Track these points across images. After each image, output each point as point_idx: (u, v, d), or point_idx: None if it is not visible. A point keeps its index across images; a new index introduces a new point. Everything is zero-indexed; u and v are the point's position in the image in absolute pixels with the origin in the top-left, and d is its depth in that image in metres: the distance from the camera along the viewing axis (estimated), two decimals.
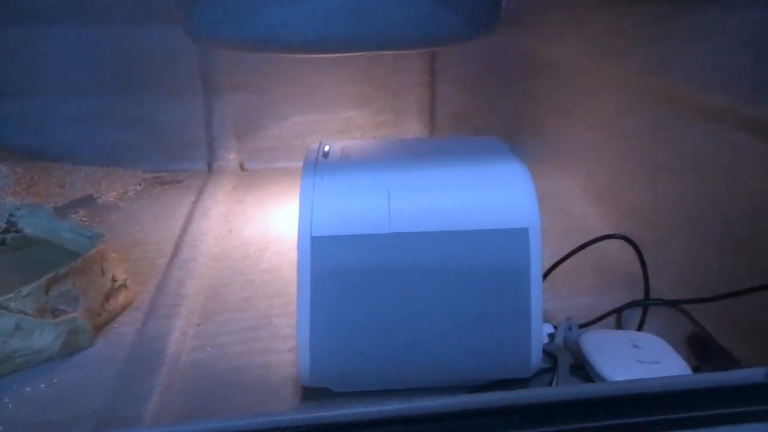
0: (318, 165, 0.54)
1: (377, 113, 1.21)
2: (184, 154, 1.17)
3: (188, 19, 0.67)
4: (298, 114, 1.19)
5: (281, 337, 0.66)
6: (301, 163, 1.19)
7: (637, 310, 0.66)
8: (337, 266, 0.50)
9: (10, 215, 0.77)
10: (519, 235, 0.50)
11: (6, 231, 0.76)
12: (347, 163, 0.55)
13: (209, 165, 1.17)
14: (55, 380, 0.59)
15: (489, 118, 1.22)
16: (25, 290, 0.58)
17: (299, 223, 0.50)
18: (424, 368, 0.54)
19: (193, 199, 1.02)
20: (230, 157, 1.18)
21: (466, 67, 1.20)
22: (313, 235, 0.50)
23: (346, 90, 1.19)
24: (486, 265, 0.50)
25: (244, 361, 0.62)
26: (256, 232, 0.91)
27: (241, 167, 1.18)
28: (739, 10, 0.64)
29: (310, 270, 0.50)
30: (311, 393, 0.57)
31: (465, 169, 0.53)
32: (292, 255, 0.85)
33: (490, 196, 0.51)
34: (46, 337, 0.59)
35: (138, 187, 1.06)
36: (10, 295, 0.57)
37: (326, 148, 0.58)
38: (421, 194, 0.51)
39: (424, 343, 0.52)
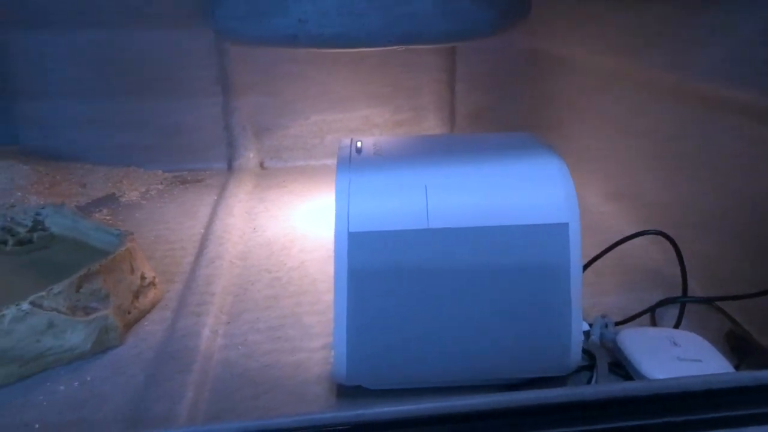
0: (352, 161, 0.54)
1: (396, 111, 1.20)
2: (205, 153, 1.17)
3: (215, 17, 0.67)
4: (316, 113, 1.19)
5: (310, 335, 0.66)
6: (320, 162, 1.20)
7: (670, 307, 0.65)
8: (374, 262, 0.49)
9: (36, 214, 0.77)
10: (559, 231, 0.49)
11: (32, 230, 0.76)
12: (381, 158, 0.55)
13: (229, 164, 1.17)
14: (88, 378, 0.58)
15: (506, 115, 1.21)
16: (56, 288, 0.58)
17: (336, 219, 0.49)
18: (460, 366, 0.53)
19: (215, 198, 1.02)
20: (250, 156, 1.18)
21: (484, 65, 1.19)
22: (351, 230, 0.49)
23: (364, 88, 1.18)
24: (525, 261, 0.49)
25: (275, 359, 0.62)
26: (279, 230, 0.91)
27: (261, 166, 1.18)
28: (762, 3, 0.63)
29: (347, 266, 0.49)
30: (345, 391, 0.56)
31: (502, 164, 0.52)
32: (318, 253, 0.85)
33: (529, 190, 0.50)
34: (77, 336, 0.59)
35: (160, 186, 1.06)
36: (42, 293, 0.57)
37: (358, 144, 0.57)
38: (459, 189, 0.50)
39: (462, 340, 0.51)
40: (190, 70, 1.13)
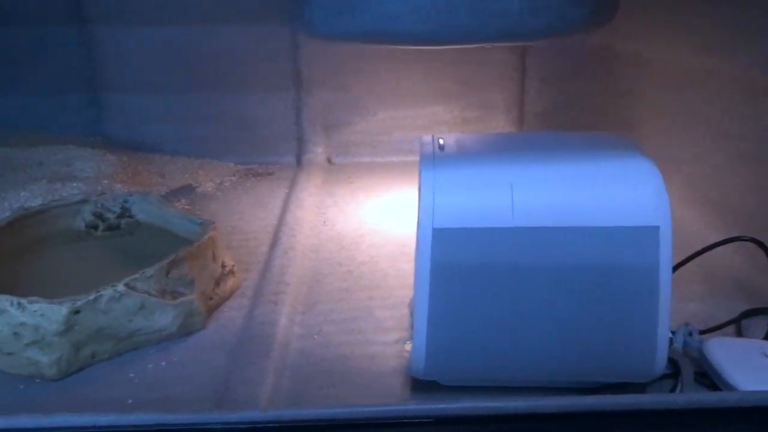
0: (436, 157, 0.54)
1: (464, 109, 1.20)
2: (275, 147, 1.20)
3: (304, 14, 0.68)
4: (384, 109, 1.20)
5: (383, 329, 0.67)
6: (386, 159, 1.20)
7: (757, 318, 0.63)
8: (457, 259, 0.50)
9: (124, 201, 0.81)
10: (649, 234, 0.48)
11: (120, 216, 0.80)
12: (465, 155, 0.55)
13: (298, 158, 1.20)
14: (174, 359, 0.61)
15: (578, 114, 1.19)
16: (149, 272, 0.61)
17: (420, 214, 0.50)
18: (540, 367, 0.53)
19: (286, 191, 1.04)
20: (318, 151, 1.20)
21: (556, 63, 1.17)
22: (435, 226, 0.50)
23: (432, 85, 1.19)
24: (612, 263, 0.49)
25: (350, 350, 0.63)
26: (348, 225, 0.92)
27: (329, 161, 1.20)
28: None
29: (431, 261, 0.50)
30: (419, 385, 0.57)
31: (589, 163, 0.52)
32: (387, 249, 0.86)
33: (618, 191, 0.49)
34: (165, 318, 0.62)
35: (233, 178, 1.10)
36: (135, 276, 0.60)
37: (441, 141, 0.58)
38: (545, 188, 0.50)
39: (543, 341, 0.51)
40: (264, 65, 1.16)
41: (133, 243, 0.78)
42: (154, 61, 1.15)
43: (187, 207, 0.95)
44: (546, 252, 0.49)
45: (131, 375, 0.59)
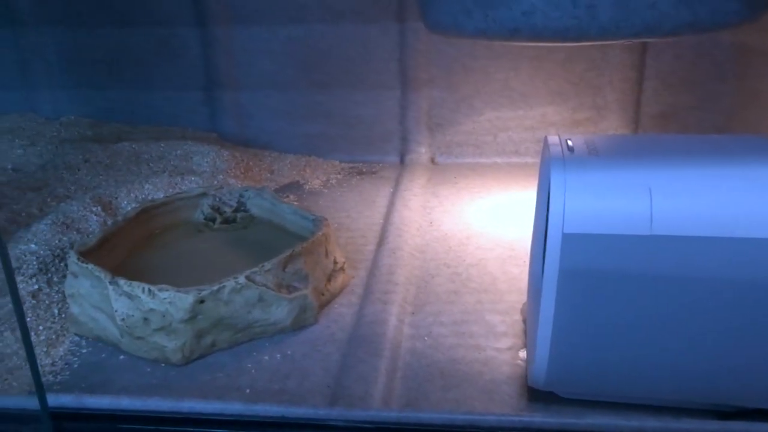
0: (566, 158, 0.51)
1: (576, 110, 1.15)
2: (379, 146, 1.20)
3: (432, 12, 0.67)
4: (491, 109, 1.17)
5: (495, 335, 0.65)
6: (491, 159, 1.18)
7: None
8: (588, 266, 0.47)
9: (240, 196, 0.84)
10: None
11: (236, 210, 0.83)
12: (598, 157, 0.52)
13: (401, 157, 1.19)
14: (288, 352, 0.62)
15: (702, 117, 1.11)
16: (267, 265, 0.62)
17: (550, 218, 0.48)
18: (671, 384, 0.49)
19: (391, 190, 1.04)
20: (422, 151, 1.19)
21: (678, 62, 1.10)
22: (566, 231, 0.47)
23: (543, 85, 1.15)
24: (761, 277, 0.44)
25: (461, 354, 0.62)
26: (454, 226, 0.91)
27: (432, 161, 1.19)
28: None
29: (559, 268, 0.48)
30: (536, 395, 0.55)
31: (737, 168, 0.47)
32: (496, 252, 0.84)
33: None
34: (281, 311, 0.63)
35: (338, 176, 1.11)
36: (255, 269, 0.62)
37: (569, 142, 0.55)
38: (688, 194, 0.46)
39: (678, 357, 0.47)
40: (372, 63, 1.17)
41: (247, 236, 0.81)
42: (270, 60, 1.19)
43: (295, 203, 0.97)
44: (687, 263, 0.46)
45: (249, 365, 0.60)
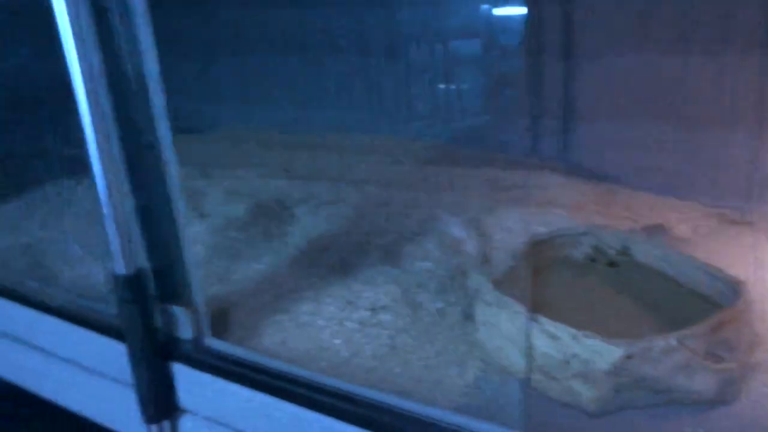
0: None
1: None
2: (748, 191, 1.07)
3: None
4: None
5: None
6: None
7: None
8: None
9: (625, 239, 0.81)
10: None
11: (620, 253, 0.80)
12: None
13: None
14: (711, 427, 0.57)
15: None
16: (698, 329, 0.58)
17: None
18: None
19: None
20: None
21: None
22: None
23: None
24: None
25: None
26: None
27: None
28: None
29: None
30: None
31: None
32: None
33: None
34: (705, 381, 0.58)
35: (708, 223, 1.01)
36: (686, 332, 0.58)
37: None
38: None
39: None
40: (726, 99, 1.05)
41: (635, 283, 0.77)
42: (618, 89, 1.15)
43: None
44: None
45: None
